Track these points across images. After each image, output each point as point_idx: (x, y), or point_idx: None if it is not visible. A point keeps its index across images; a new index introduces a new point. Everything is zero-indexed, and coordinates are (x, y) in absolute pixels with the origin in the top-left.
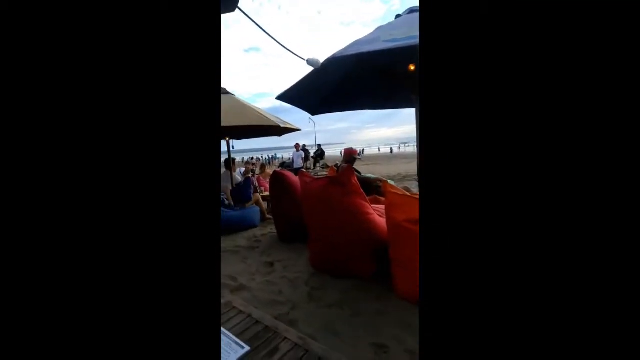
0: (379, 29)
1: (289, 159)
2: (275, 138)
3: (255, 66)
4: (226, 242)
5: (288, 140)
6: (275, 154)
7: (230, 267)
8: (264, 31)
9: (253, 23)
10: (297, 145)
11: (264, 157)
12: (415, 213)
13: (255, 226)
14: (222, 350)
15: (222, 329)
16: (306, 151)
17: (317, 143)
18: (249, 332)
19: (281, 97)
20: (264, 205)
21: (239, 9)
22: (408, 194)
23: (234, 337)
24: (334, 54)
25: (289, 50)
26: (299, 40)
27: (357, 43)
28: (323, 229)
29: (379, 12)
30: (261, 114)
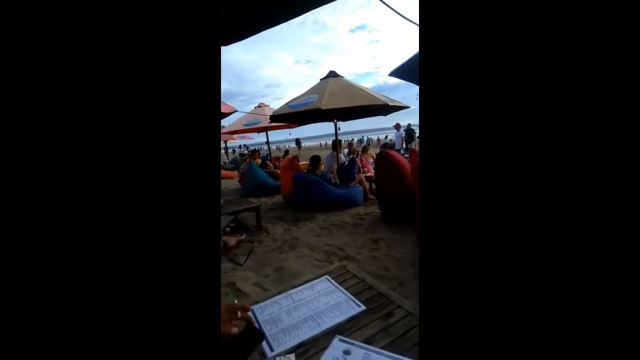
0: None
1: (391, 140)
2: (377, 119)
3: (361, 45)
4: (332, 217)
5: (390, 120)
6: (363, 136)
7: (338, 239)
8: (386, 4)
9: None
10: (397, 125)
11: (364, 139)
12: None
13: (358, 205)
14: (340, 306)
15: (340, 287)
16: (411, 130)
17: None
18: (364, 295)
19: (394, 73)
20: (367, 185)
21: None
22: None
23: (351, 296)
24: None
25: (409, 20)
26: (409, 9)
27: None
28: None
29: None
30: (369, 94)
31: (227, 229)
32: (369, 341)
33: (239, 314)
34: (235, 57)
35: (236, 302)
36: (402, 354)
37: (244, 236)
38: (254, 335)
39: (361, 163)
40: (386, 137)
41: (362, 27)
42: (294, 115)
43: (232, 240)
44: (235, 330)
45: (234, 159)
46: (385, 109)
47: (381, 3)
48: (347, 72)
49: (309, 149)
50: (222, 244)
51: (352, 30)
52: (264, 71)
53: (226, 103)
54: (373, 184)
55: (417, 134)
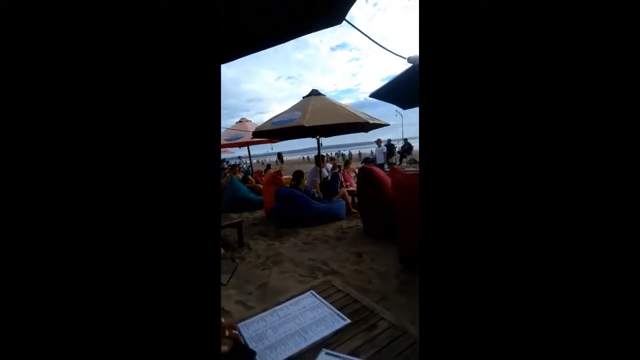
0: None
1: (372, 153)
2: (358, 133)
3: (342, 63)
4: (316, 232)
5: (372, 135)
6: (340, 151)
7: (322, 254)
8: (370, 39)
9: (355, 29)
10: (378, 141)
11: (344, 154)
12: None
13: (341, 219)
14: (325, 320)
15: (325, 301)
16: (391, 146)
17: (404, 137)
18: (348, 308)
19: (374, 95)
20: (349, 199)
21: (347, 21)
22: None
23: (336, 310)
24: None
25: (390, 51)
26: (387, 33)
27: None
28: (417, 226)
29: None
30: (350, 112)
31: None
32: (354, 353)
33: (226, 332)
34: None
35: (223, 320)
36: None
37: (223, 252)
38: (245, 353)
39: (344, 177)
40: (372, 152)
41: (343, 46)
42: (276, 132)
43: None
44: (225, 348)
45: None
46: (366, 126)
47: (362, 23)
48: (329, 89)
49: (292, 162)
50: None
51: (333, 49)
52: (245, 86)
53: None
54: (355, 197)
55: (397, 149)
